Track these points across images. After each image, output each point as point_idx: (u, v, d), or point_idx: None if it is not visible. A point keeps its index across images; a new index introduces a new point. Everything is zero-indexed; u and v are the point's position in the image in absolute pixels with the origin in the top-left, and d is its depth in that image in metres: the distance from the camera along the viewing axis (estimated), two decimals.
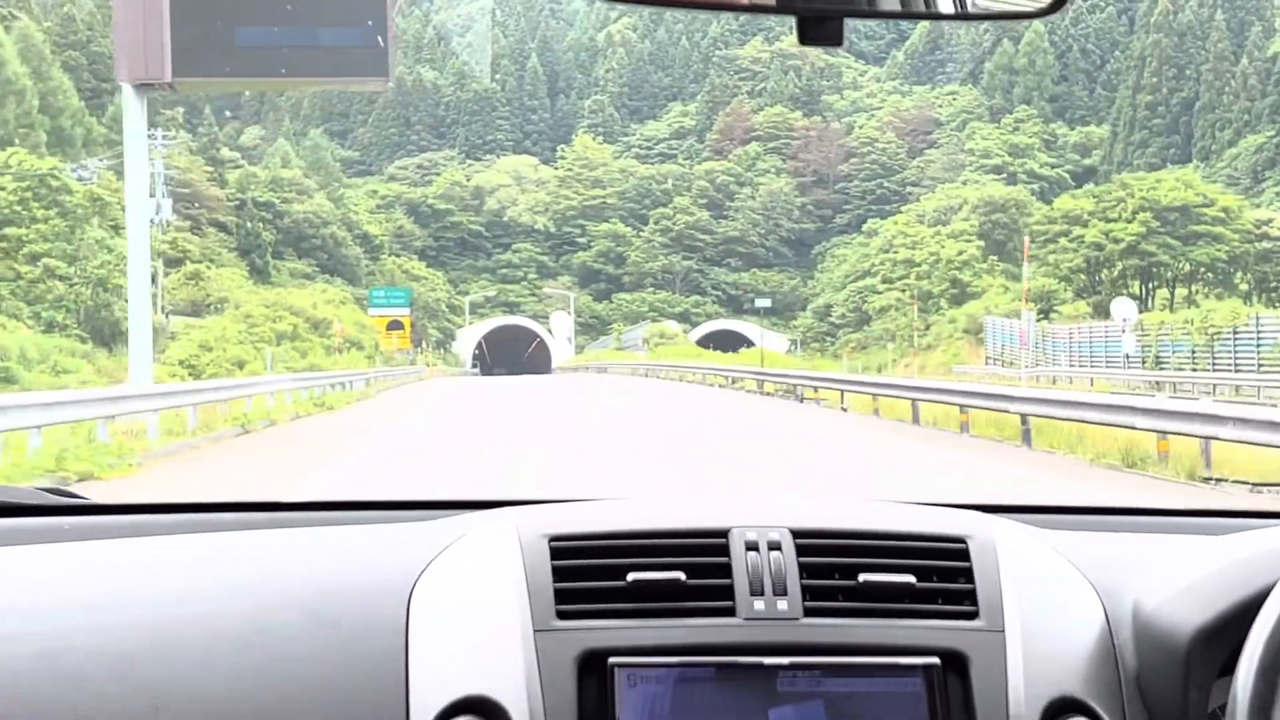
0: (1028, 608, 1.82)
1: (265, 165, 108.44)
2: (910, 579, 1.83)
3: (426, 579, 1.82)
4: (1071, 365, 48.02)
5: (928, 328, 77.12)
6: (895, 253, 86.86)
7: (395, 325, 68.33)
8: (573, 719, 1.66)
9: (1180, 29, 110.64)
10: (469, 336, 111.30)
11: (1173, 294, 63.93)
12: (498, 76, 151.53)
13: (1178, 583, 1.79)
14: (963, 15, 1.51)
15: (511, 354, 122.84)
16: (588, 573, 1.80)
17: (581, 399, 33.99)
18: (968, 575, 1.86)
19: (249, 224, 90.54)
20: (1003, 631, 1.79)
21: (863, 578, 1.82)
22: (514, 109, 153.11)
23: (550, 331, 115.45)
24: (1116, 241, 63.76)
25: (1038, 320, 57.73)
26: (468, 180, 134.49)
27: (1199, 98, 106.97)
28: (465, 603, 1.77)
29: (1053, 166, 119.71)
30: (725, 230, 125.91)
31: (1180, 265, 63.54)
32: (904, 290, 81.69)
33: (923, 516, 1.98)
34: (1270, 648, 1.47)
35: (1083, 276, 66.55)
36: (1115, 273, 65.86)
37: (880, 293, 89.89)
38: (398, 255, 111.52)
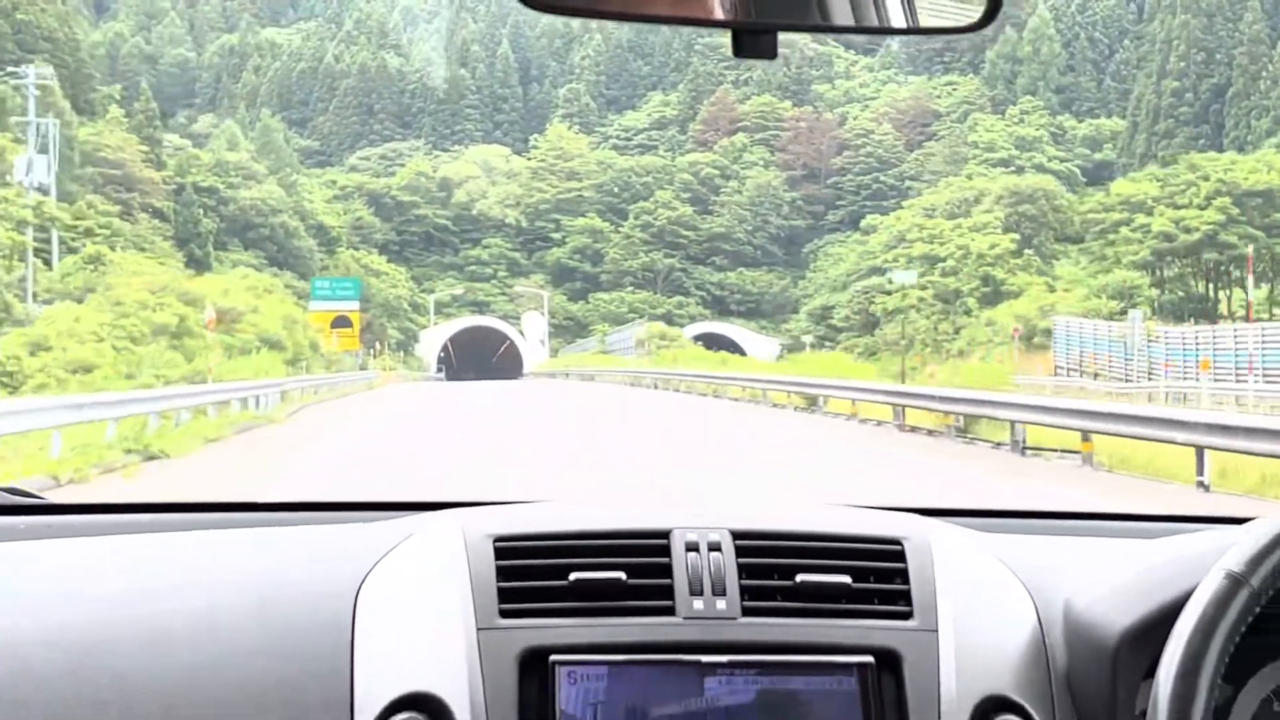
0: (961, 608, 1.86)
1: (210, 148, 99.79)
2: (846, 579, 1.86)
3: (373, 579, 1.86)
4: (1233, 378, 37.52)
5: (957, 331, 68.13)
6: (911, 248, 78.04)
7: (342, 322, 58.20)
8: (514, 714, 1.71)
9: (1209, 10, 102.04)
10: (433, 338, 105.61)
11: (1273, 289, 54.03)
12: (467, 63, 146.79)
13: (1107, 583, 1.83)
14: (889, 30, 1.61)
15: (479, 357, 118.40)
16: (531, 572, 1.83)
17: (584, 425, 23.59)
18: (903, 576, 1.88)
19: (188, 210, 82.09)
20: (936, 631, 1.82)
21: (800, 578, 1.85)
22: (484, 97, 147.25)
23: (522, 333, 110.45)
24: (1189, 231, 53.76)
25: (1109, 318, 48.10)
26: (434, 171, 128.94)
27: (1231, 84, 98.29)
28: (411, 601, 1.81)
29: (1062, 161, 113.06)
30: (710, 226, 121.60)
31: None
32: (925, 289, 72.52)
33: (860, 519, 2.02)
34: (1189, 650, 1.50)
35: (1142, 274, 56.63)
36: (1180, 269, 55.90)
37: (890, 292, 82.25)
38: (356, 249, 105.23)
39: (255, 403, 27.07)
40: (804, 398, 30.11)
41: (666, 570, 1.83)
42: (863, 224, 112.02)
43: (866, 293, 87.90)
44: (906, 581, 1.87)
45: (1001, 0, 1.57)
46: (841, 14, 1.57)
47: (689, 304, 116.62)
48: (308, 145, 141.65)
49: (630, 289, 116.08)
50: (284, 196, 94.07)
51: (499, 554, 1.84)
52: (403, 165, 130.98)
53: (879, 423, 23.98)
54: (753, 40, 1.49)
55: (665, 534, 1.86)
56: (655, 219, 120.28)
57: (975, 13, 1.63)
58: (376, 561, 1.88)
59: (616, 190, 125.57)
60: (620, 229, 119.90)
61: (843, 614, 1.82)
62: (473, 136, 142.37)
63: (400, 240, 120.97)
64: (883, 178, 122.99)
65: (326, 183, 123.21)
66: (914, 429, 22.21)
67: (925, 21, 1.63)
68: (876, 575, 1.87)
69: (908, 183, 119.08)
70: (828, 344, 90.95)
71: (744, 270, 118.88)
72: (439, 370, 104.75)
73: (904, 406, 22.26)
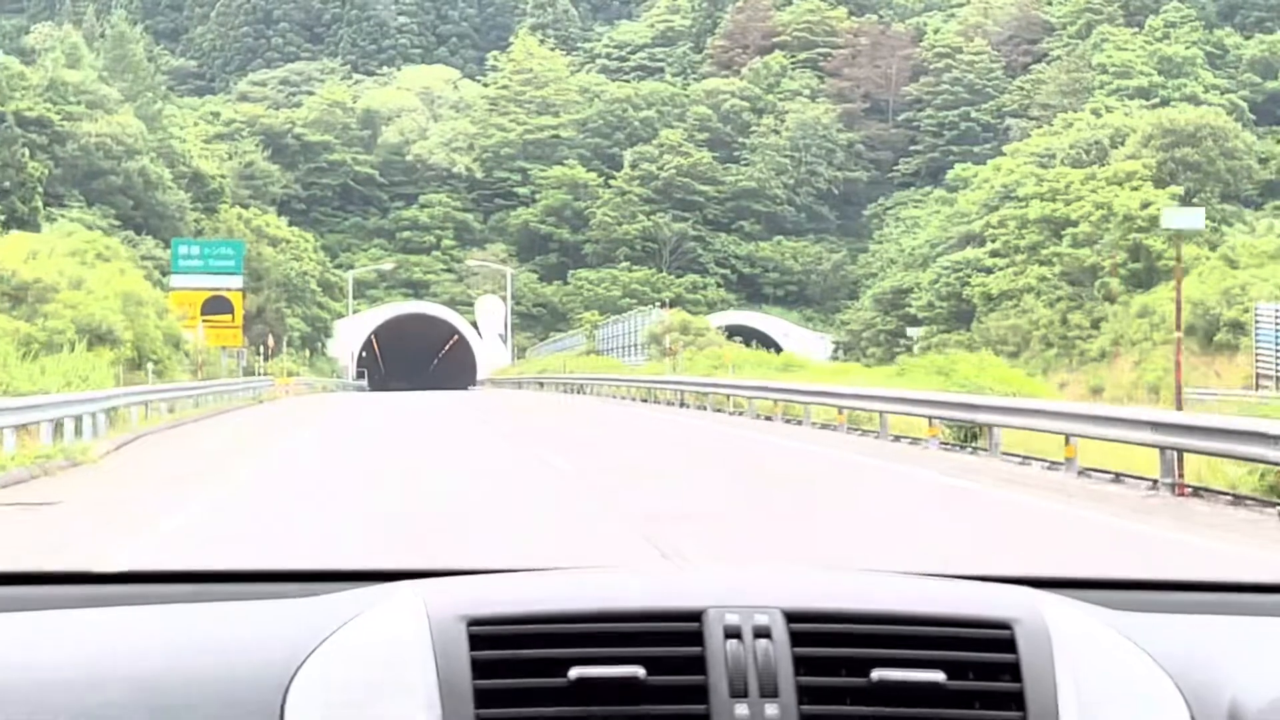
0: (1091, 712, 1.85)
1: (41, 64, 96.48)
2: (939, 676, 1.86)
3: (308, 671, 1.87)
4: None
5: (1095, 324, 64.83)
6: (1025, 207, 74.79)
7: (218, 306, 53.80)
8: None
9: None
10: (352, 331, 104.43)
11: None
12: None
13: None
14: None
15: (416, 358, 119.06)
16: (518, 667, 1.84)
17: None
18: (1013, 672, 1.89)
19: (7, 150, 78.05)
20: None
21: (876, 675, 1.86)
22: (424, 1, 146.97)
23: (475, 325, 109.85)
24: None
25: None
26: (354, 101, 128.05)
27: None
28: (356, 702, 1.80)
29: (1222, 92, 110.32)
30: (736, 179, 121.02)
31: None
32: (1051, 264, 69.38)
33: (955, 594, 2.04)
34: None
35: None
36: None
37: (992, 270, 79.49)
38: (245, 206, 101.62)
39: (64, 429, 23.01)
40: (953, 425, 25.67)
41: (699, 664, 1.83)
42: (948, 176, 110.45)
43: (957, 270, 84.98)
44: (1018, 678, 1.87)
45: None
46: None
47: (707, 285, 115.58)
48: (181, 66, 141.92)
49: (625, 265, 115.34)
50: (144, 133, 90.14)
51: (475, 642, 1.84)
52: (311, 94, 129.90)
53: (1118, 477, 19.60)
54: None
55: (697, 615, 1.87)
56: (660, 168, 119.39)
57: None
58: (313, 649, 1.88)
59: (606, 128, 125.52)
60: (612, 182, 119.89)
61: None
62: (408, 54, 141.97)
63: (307, 196, 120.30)
64: (975, 113, 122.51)
65: (206, 115, 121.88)
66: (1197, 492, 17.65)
67: None
68: (978, 671, 1.87)
69: (1008, 120, 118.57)
70: (898, 341, 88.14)
71: (782, 240, 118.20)
72: (359, 376, 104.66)
73: (1176, 451, 17.60)
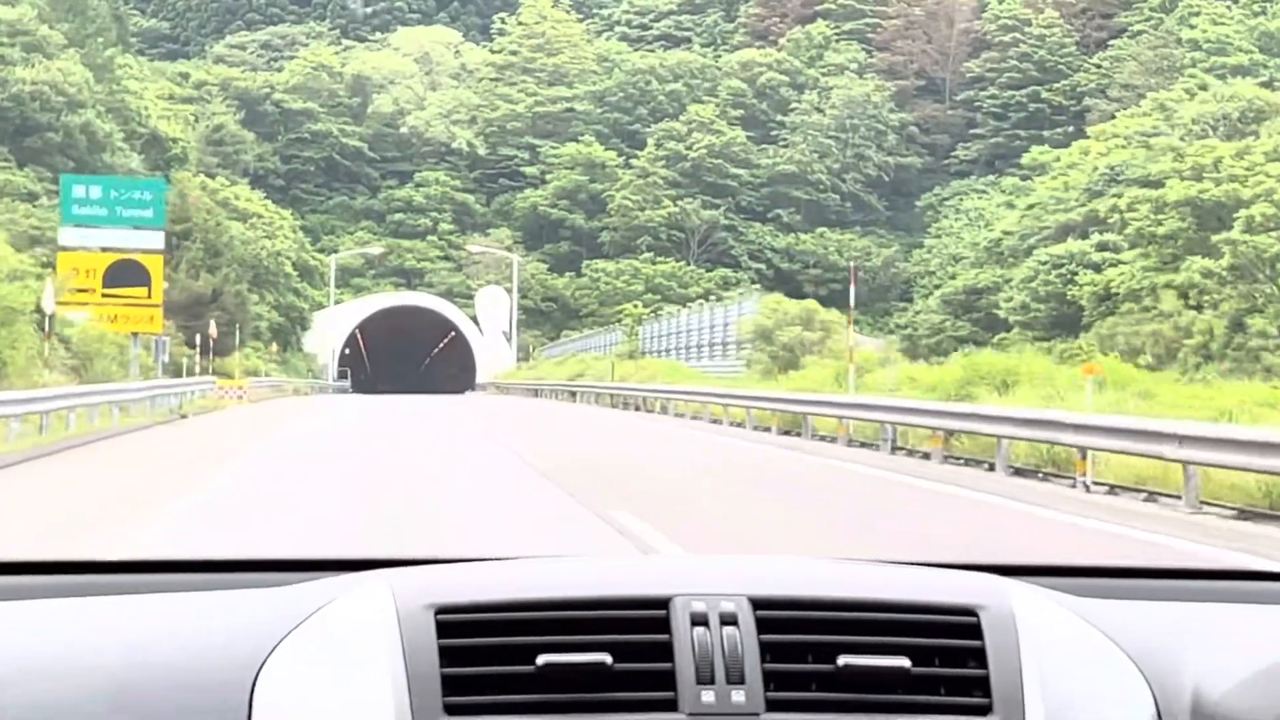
0: (1056, 698, 1.91)
1: None
2: (904, 662, 1.91)
3: (276, 661, 1.92)
4: None
5: None
6: (1163, 188, 63.89)
7: (128, 276, 39.61)
8: None
9: None
10: (334, 324, 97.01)
11: None
12: None
13: (1247, 665, 1.89)
14: None
15: (406, 357, 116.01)
16: (485, 654, 1.90)
17: None
18: (979, 657, 1.95)
19: None
20: None
21: (843, 660, 1.91)
22: None
23: (476, 321, 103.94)
24: None
25: None
26: (342, 65, 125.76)
27: None
28: (324, 691, 1.87)
29: None
30: (774, 162, 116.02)
31: None
32: (1214, 255, 57.20)
33: (920, 581, 2.12)
34: None
35: None
36: None
37: (1099, 266, 70.21)
38: (211, 175, 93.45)
39: None
40: None
41: (666, 651, 1.89)
42: (1025, 159, 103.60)
43: (1058, 265, 74.85)
44: (984, 664, 1.92)
45: None
46: None
47: (740, 280, 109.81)
48: (152, 27, 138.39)
49: (647, 255, 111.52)
50: (90, 83, 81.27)
51: (443, 630, 1.89)
52: (294, 57, 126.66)
53: None
54: None
55: (664, 602, 1.93)
56: (688, 148, 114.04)
57: None
58: (281, 639, 1.93)
59: (628, 102, 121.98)
60: (634, 162, 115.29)
61: (901, 708, 1.87)
62: (404, 16, 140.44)
63: (286, 171, 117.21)
64: (1046, 93, 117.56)
65: (174, 77, 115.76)
66: None
67: None
68: (943, 656, 1.92)
69: (1085, 100, 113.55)
70: (965, 345, 78.00)
71: (826, 232, 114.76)
72: (340, 376, 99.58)
73: None
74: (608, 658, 1.84)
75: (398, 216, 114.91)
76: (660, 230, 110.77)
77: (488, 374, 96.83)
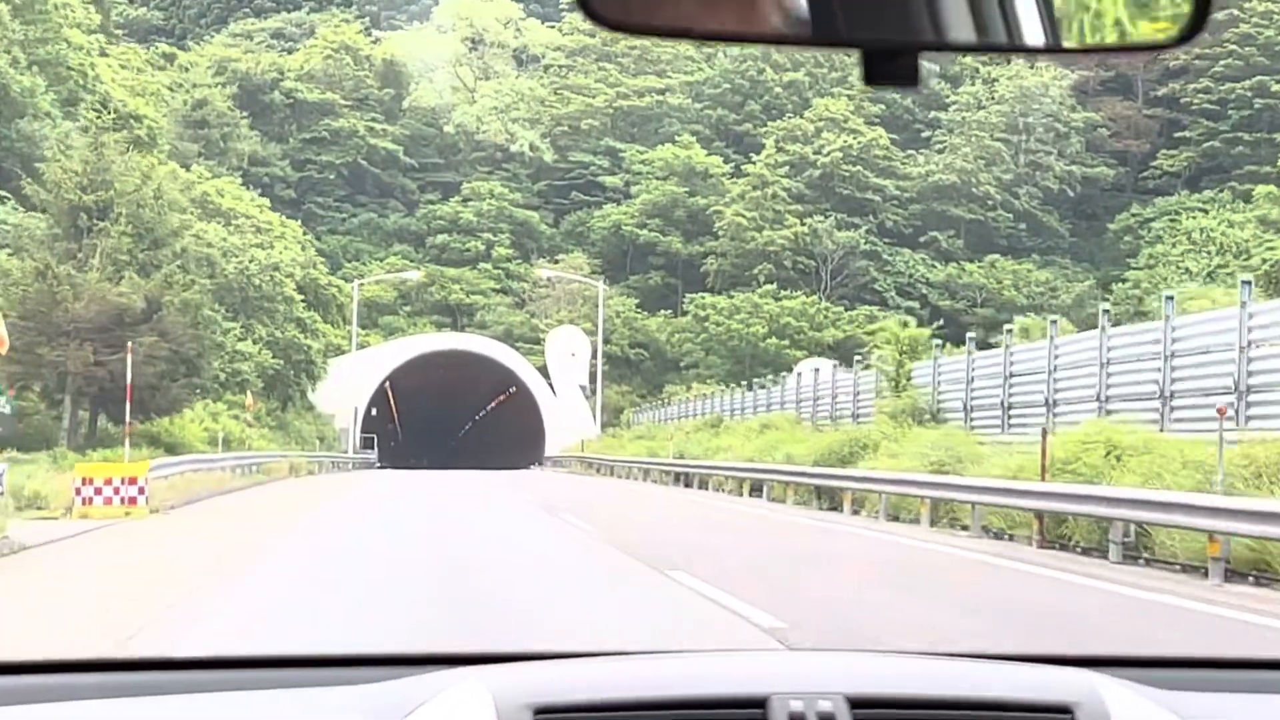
0: None
1: None
2: None
3: None
4: None
5: None
6: None
7: None
8: None
9: None
10: (356, 375, 79.67)
11: None
12: None
13: None
14: (1060, 50, 1.80)
15: (449, 418, 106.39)
16: None
17: None
18: None
19: None
20: None
21: None
22: None
23: (544, 372, 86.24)
24: None
25: None
26: (371, 47, 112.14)
27: None
28: None
29: None
30: (926, 172, 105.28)
31: None
32: None
33: (1014, 678, 2.19)
34: None
35: None
36: None
37: None
38: (206, 178, 78.13)
39: None
40: None
41: None
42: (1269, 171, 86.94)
43: None
44: None
45: (1210, 7, 1.74)
46: (997, 30, 1.76)
47: (887, 321, 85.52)
48: (141, 17, 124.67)
49: (765, 287, 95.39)
50: (4, 18, 61.88)
51: None
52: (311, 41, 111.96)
53: None
54: (887, 63, 1.70)
55: (761, 701, 1.98)
56: (816, 152, 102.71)
57: (1173, 25, 1.81)
58: None
59: (735, 96, 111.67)
60: (745, 170, 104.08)
61: None
62: None
63: (299, 180, 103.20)
64: (1276, 86, 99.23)
65: (154, 59, 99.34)
66: None
67: (1108, 38, 1.80)
68: None
69: None
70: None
71: (998, 260, 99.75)
72: (365, 445, 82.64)
73: None
74: None
75: (440, 239, 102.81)
76: (784, 256, 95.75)
77: (560, 442, 78.95)
